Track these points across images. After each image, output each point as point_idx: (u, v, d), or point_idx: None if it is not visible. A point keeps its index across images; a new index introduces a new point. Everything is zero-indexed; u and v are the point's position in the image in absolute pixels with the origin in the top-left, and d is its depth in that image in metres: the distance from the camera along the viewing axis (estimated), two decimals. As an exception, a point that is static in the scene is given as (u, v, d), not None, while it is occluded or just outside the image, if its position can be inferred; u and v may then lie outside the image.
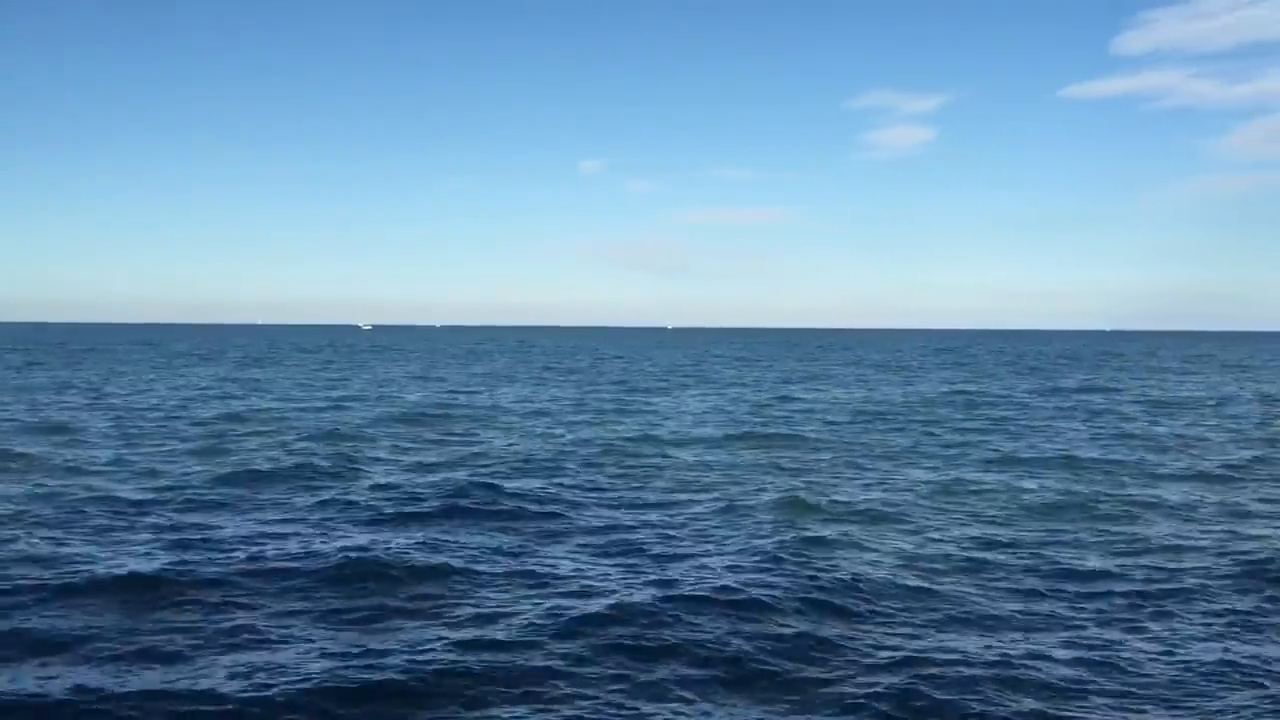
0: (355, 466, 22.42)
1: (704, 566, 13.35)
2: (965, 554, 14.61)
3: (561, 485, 20.14)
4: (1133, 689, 9.40)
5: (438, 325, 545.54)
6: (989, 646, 10.42)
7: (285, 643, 10.18)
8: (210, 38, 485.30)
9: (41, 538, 14.48)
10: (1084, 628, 11.27)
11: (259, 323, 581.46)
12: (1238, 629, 11.28)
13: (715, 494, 19.53)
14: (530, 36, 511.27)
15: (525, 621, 10.76)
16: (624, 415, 36.23)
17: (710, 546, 14.78)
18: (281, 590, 12.01)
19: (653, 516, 17.21)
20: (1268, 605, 12.26)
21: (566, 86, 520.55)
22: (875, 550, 14.72)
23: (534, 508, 17.56)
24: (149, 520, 16.10)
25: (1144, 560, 14.40)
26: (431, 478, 20.63)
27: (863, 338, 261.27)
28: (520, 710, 8.63)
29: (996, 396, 48.31)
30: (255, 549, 13.89)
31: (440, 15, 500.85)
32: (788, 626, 10.93)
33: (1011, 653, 10.19)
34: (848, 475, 22.44)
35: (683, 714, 8.67)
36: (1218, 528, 16.85)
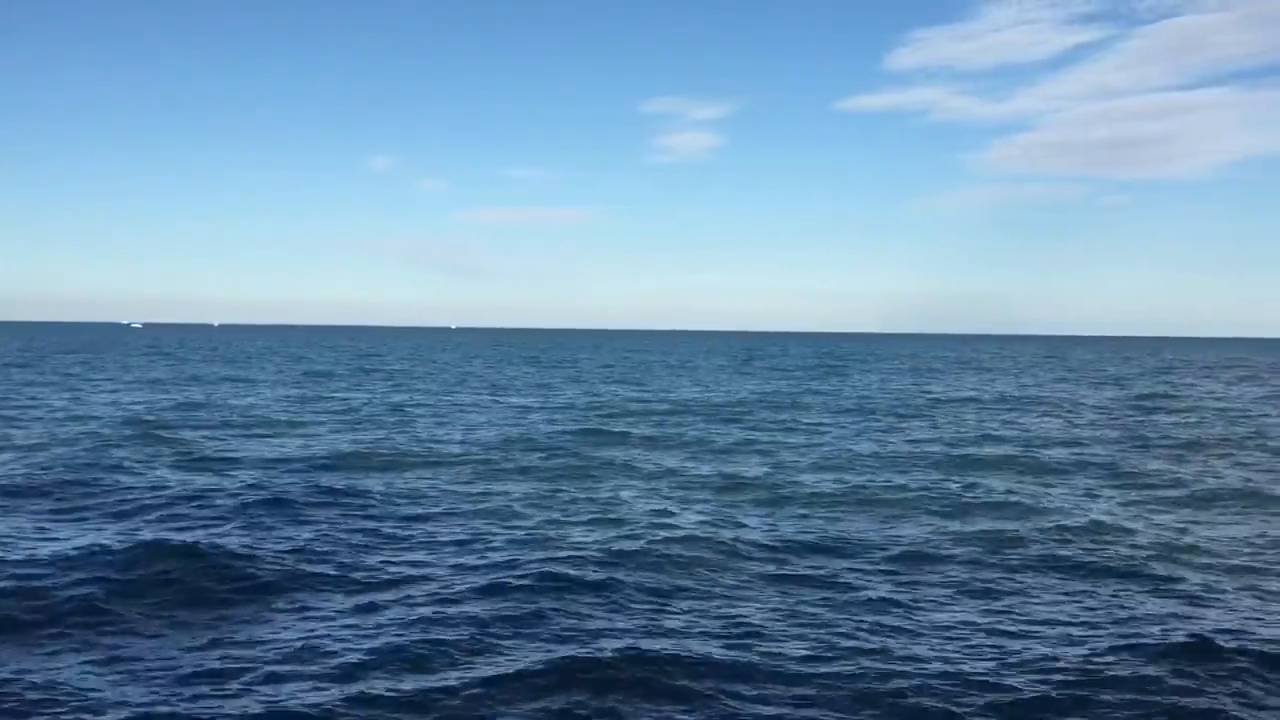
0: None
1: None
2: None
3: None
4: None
5: (216, 324, 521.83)
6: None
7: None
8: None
9: None
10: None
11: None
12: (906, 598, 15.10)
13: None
14: (318, 31, 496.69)
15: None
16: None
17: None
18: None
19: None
20: (922, 580, 16.21)
21: (354, 81, 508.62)
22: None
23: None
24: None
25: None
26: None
27: (653, 339, 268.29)
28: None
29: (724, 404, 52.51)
30: None
31: (224, 8, 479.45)
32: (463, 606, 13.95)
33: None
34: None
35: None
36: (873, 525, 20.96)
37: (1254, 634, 11.31)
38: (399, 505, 18.10)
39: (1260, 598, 13.04)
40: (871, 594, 12.75)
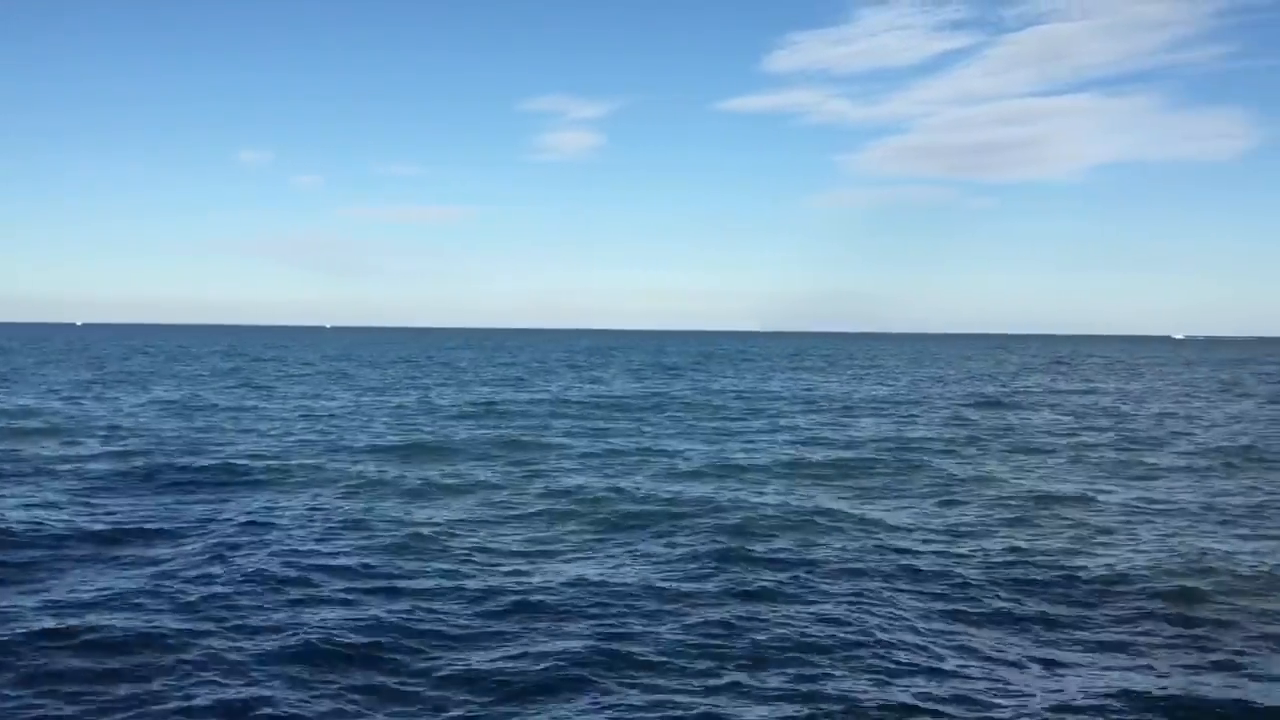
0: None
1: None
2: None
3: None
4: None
5: (79, 323, 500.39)
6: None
7: None
8: None
9: None
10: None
11: None
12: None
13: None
14: (189, 26, 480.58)
15: None
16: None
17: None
18: None
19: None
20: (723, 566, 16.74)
21: (223, 75, 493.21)
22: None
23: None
24: None
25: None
26: None
27: (539, 338, 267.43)
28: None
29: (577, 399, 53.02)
30: None
31: (84, 5, 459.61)
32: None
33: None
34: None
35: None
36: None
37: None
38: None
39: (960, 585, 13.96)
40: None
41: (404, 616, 12.25)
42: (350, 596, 13.14)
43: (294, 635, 11.40)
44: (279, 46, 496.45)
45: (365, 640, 11.33)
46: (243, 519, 17.79)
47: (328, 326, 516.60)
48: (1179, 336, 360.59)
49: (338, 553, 15.41)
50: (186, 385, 53.77)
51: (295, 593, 13.20)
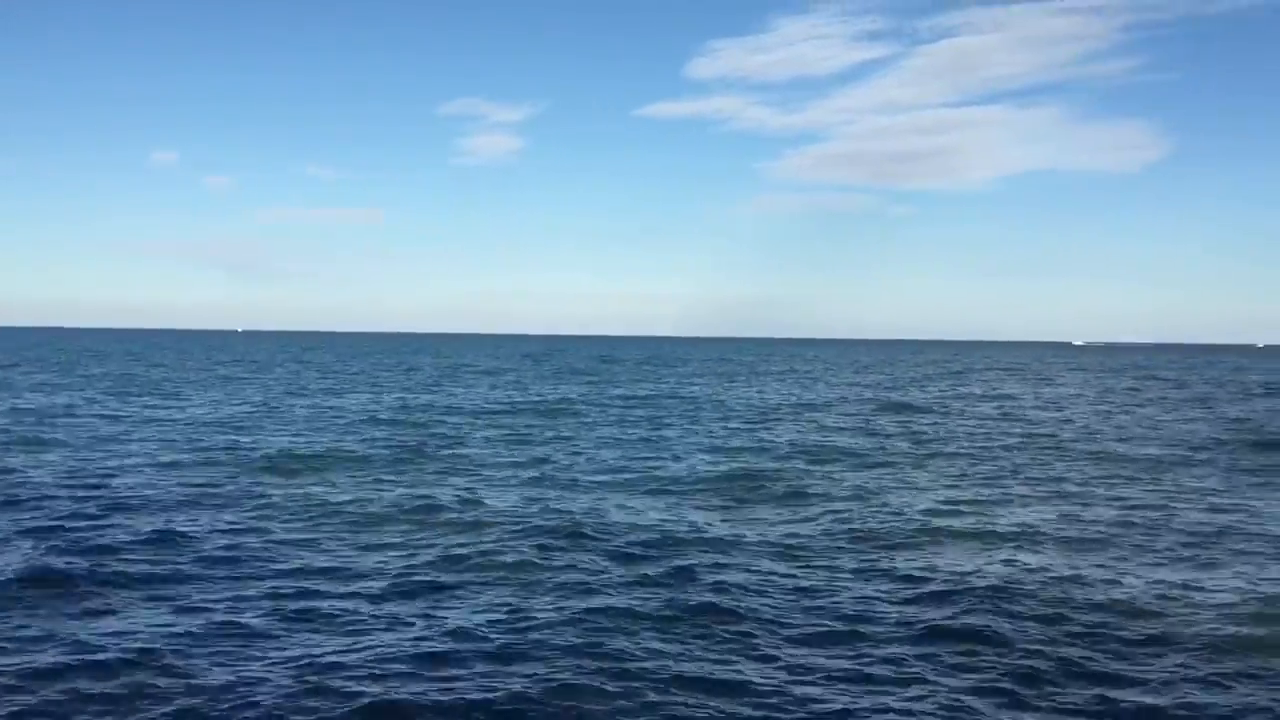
0: None
1: None
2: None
3: None
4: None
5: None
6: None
7: None
8: None
9: None
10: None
11: None
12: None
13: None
14: (93, 25, 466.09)
15: None
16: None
17: None
18: None
19: None
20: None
21: (132, 75, 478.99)
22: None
23: None
24: None
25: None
26: None
27: (451, 343, 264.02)
28: None
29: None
30: None
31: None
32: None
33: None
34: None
35: None
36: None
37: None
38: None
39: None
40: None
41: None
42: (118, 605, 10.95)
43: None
44: (193, 48, 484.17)
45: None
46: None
47: (239, 330, 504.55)
48: (1079, 343, 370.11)
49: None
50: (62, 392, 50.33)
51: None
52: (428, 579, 14.10)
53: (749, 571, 14.91)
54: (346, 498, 20.57)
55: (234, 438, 30.89)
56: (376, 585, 13.76)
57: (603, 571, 14.64)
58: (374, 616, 12.25)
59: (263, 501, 19.92)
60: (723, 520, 19.14)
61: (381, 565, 14.95)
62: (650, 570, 14.68)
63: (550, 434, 34.28)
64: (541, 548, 15.97)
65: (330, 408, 43.72)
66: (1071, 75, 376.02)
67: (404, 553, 15.79)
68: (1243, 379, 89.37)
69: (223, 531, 16.98)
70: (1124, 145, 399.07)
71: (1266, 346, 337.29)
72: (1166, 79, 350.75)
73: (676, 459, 28.00)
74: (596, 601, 13.01)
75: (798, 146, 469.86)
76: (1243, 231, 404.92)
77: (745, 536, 17.48)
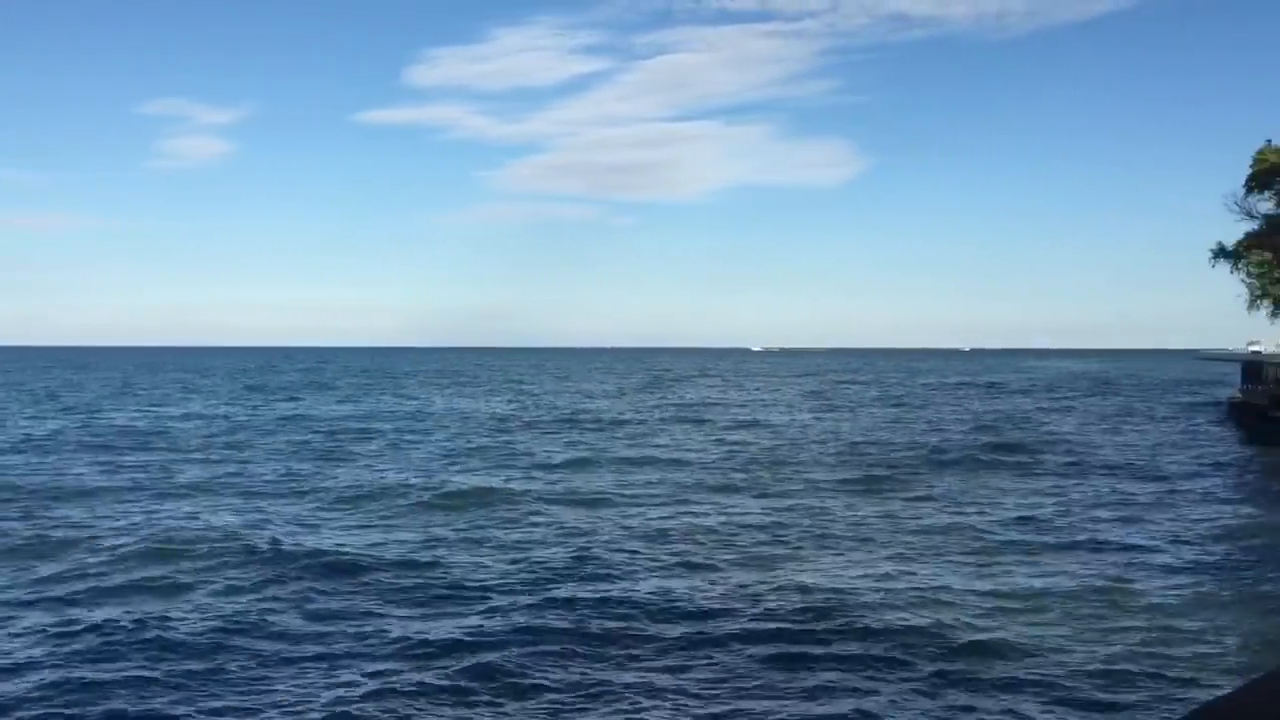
0: None
1: None
2: None
3: None
4: None
5: None
6: None
7: None
8: None
9: None
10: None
11: None
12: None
13: None
14: None
15: None
16: None
17: None
18: None
19: None
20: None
21: None
22: None
23: None
24: None
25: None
26: None
27: (155, 356, 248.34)
28: None
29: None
30: None
31: None
32: None
33: None
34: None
35: None
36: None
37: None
38: None
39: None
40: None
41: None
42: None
43: None
44: None
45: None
46: None
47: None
48: (756, 349, 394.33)
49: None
50: None
51: None
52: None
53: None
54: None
55: None
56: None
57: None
58: None
59: None
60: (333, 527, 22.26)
61: None
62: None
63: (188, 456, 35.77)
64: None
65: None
66: (776, 95, 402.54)
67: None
68: (941, 380, 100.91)
69: None
70: (825, 162, 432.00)
71: (973, 350, 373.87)
72: (859, 100, 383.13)
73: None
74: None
75: (519, 156, 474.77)
76: (931, 242, 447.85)
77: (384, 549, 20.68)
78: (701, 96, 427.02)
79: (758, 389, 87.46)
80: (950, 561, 18.49)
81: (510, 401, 67.71)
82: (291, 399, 69.90)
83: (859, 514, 23.56)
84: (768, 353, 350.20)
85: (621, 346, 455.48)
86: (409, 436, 42.57)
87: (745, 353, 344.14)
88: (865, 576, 16.99)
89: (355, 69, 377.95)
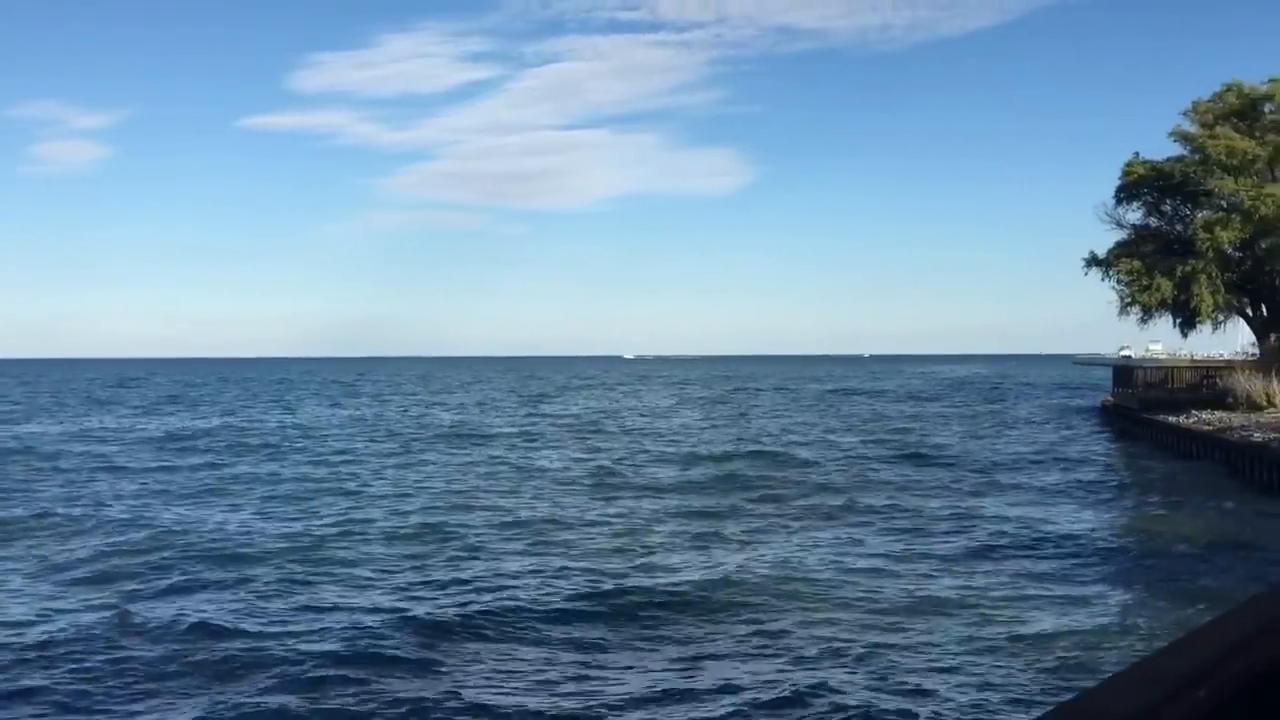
0: None
1: None
2: None
3: None
4: None
5: None
6: None
7: None
8: None
9: None
10: None
11: None
12: None
13: None
14: None
15: None
16: None
17: None
18: None
19: None
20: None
21: None
22: None
23: None
24: None
25: None
26: None
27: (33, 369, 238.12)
28: None
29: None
30: None
31: None
32: None
33: None
34: None
35: None
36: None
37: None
38: None
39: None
40: None
41: None
42: None
43: None
44: None
45: None
46: None
47: None
48: (629, 356, 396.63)
49: None
50: None
51: None
52: None
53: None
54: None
55: None
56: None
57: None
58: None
59: None
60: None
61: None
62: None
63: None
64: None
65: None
66: (666, 104, 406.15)
67: None
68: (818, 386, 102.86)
69: None
70: (714, 171, 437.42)
71: (872, 356, 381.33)
72: (747, 111, 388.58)
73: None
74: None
75: (408, 164, 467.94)
76: (821, 251, 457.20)
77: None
78: (592, 105, 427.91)
79: (622, 396, 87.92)
80: (807, 541, 18.87)
81: (350, 415, 66.75)
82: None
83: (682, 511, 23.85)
84: (640, 360, 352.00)
85: (503, 356, 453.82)
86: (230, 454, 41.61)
87: (619, 360, 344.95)
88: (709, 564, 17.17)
89: (237, 73, 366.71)
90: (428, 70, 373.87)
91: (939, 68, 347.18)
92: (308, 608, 15.49)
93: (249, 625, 14.37)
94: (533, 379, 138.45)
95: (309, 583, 17.15)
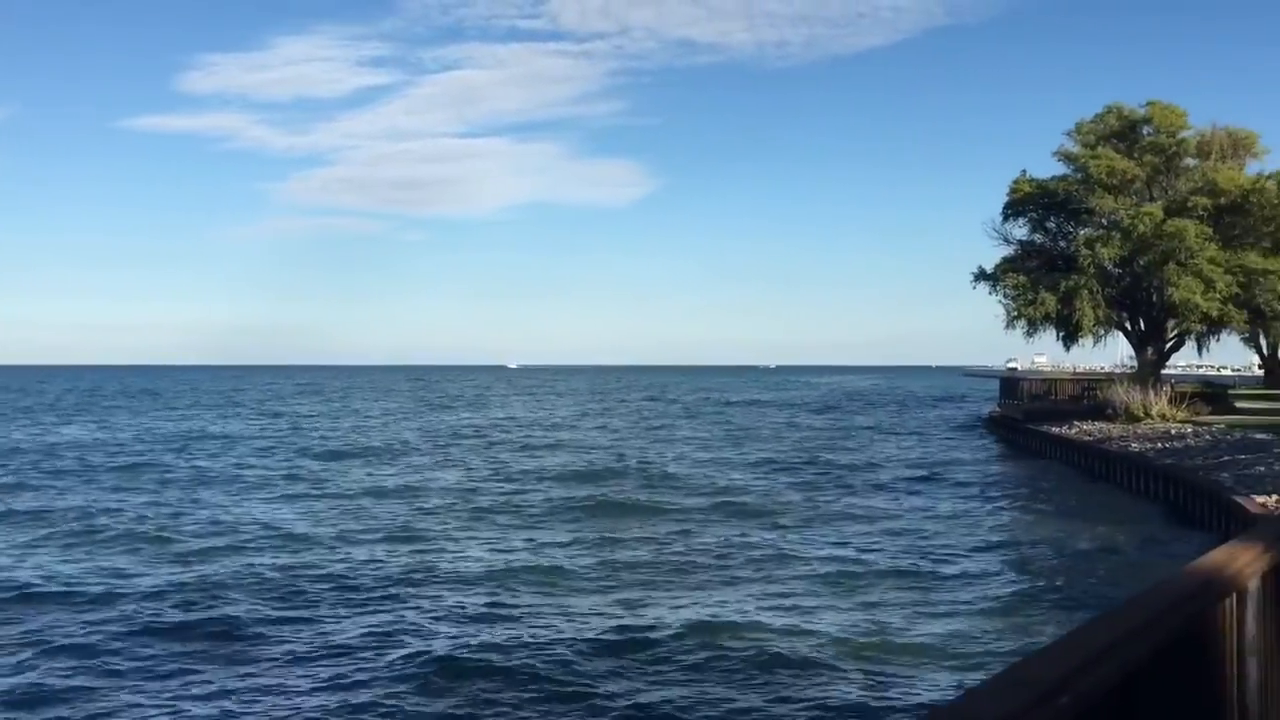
0: None
1: None
2: None
3: None
4: None
5: None
6: None
7: None
8: None
9: None
10: None
11: None
12: None
13: None
14: None
15: None
16: None
17: None
18: None
19: None
20: None
21: None
22: None
23: None
24: None
25: None
26: None
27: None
28: None
29: None
30: None
31: None
32: None
33: None
34: None
35: None
36: None
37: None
38: None
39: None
40: None
41: None
42: None
43: None
44: None
45: None
46: None
47: None
48: (513, 365, 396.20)
49: None
50: None
51: None
52: None
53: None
54: None
55: None
56: None
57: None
58: None
59: None
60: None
61: None
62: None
63: None
64: None
65: None
66: (567, 114, 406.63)
67: None
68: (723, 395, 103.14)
69: None
70: (615, 182, 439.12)
71: (779, 367, 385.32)
72: (650, 122, 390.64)
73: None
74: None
75: (304, 169, 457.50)
76: (721, 262, 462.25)
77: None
78: (491, 113, 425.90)
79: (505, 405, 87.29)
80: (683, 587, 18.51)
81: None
82: None
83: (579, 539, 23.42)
84: (524, 369, 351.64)
85: (389, 365, 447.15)
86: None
87: (502, 369, 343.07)
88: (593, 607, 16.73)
89: (122, 73, 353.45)
90: (324, 74, 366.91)
91: (835, 84, 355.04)
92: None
93: None
94: (393, 391, 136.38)
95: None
